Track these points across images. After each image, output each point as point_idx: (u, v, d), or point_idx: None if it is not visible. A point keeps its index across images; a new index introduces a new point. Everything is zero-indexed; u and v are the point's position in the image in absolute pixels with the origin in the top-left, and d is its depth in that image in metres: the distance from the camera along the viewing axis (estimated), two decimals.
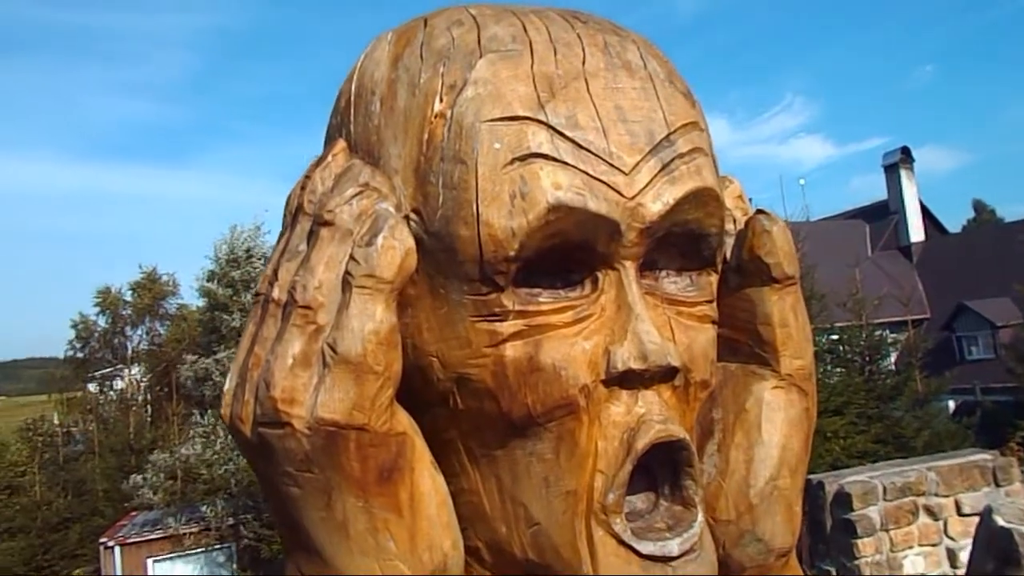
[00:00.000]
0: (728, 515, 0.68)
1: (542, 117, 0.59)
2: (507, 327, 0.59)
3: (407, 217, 0.60)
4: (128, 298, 25.88)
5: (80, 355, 27.56)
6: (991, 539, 1.32)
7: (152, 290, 25.61)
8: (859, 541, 5.56)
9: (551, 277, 0.61)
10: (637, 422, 0.60)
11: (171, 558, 13.72)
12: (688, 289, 0.66)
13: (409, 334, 0.61)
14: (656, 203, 0.61)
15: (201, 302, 16.27)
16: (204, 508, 12.43)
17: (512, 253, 0.57)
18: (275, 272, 0.60)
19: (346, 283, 0.56)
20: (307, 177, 0.62)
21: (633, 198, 0.60)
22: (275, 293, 0.59)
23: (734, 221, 0.73)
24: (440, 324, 0.60)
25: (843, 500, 5.95)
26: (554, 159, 0.58)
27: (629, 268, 0.61)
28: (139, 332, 26.98)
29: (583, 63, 0.62)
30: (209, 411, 13.04)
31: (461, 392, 0.61)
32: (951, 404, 19.07)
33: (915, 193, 28.21)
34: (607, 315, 0.61)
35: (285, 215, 0.64)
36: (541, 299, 0.60)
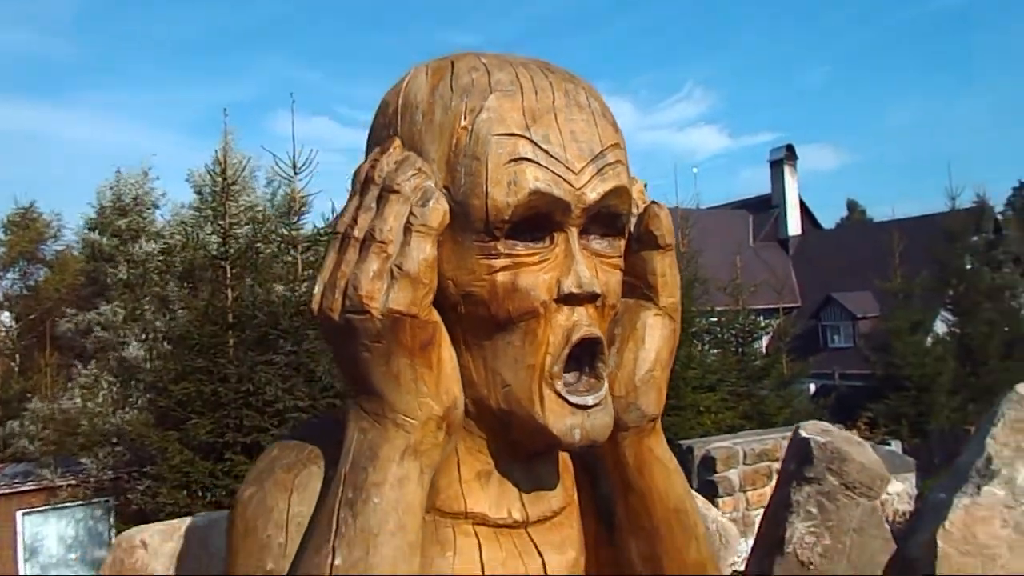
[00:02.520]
0: (621, 392, 1.05)
1: (527, 135, 0.94)
2: (498, 263, 0.94)
3: (440, 191, 0.94)
4: (1, 236, 24.04)
5: None
6: (795, 447, 1.79)
7: (30, 229, 23.89)
8: (720, 500, 6.22)
9: (526, 234, 0.95)
10: (573, 325, 0.96)
11: (44, 511, 13.23)
12: (607, 248, 1.03)
13: (437, 263, 0.93)
14: (592, 193, 0.97)
15: (82, 250, 15.55)
16: (85, 460, 12.08)
17: (506, 218, 0.92)
18: (354, 219, 0.92)
19: (407, 229, 0.90)
20: (375, 159, 0.95)
21: (579, 189, 0.96)
22: (355, 232, 0.91)
23: (637, 207, 1.10)
24: (456, 259, 0.94)
25: (709, 463, 6.63)
26: (534, 162, 0.94)
27: (573, 232, 0.98)
28: (11, 275, 25.23)
29: (552, 101, 0.98)
30: (92, 362, 12.55)
31: (465, 302, 0.95)
32: (812, 387, 20.63)
33: (796, 189, 30.12)
34: (559, 259, 0.97)
35: (355, 183, 0.96)
36: (519, 247, 0.95)
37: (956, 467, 1.83)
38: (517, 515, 1.02)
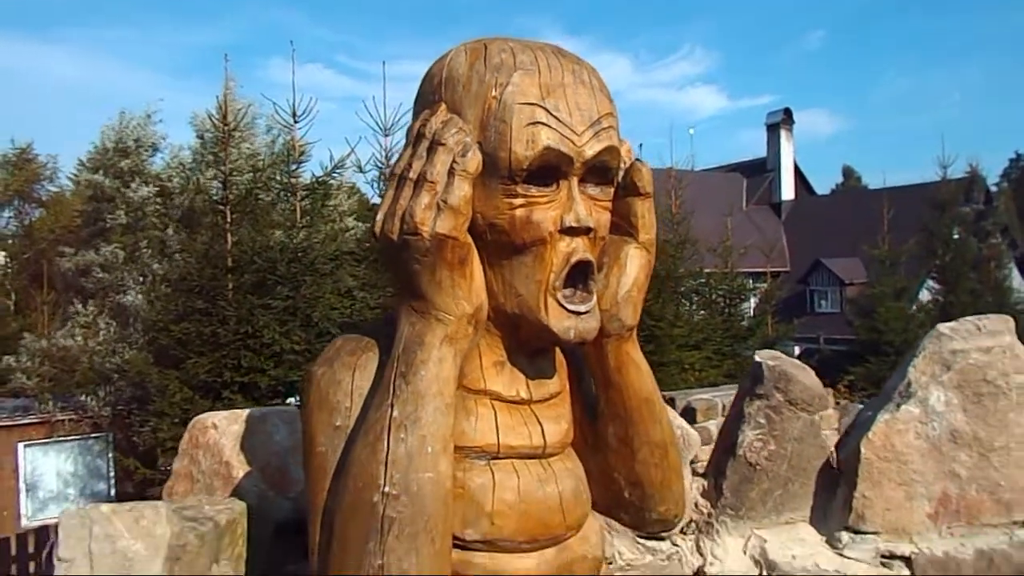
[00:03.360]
0: (606, 306, 1.37)
1: (543, 105, 1.25)
2: (517, 201, 1.25)
3: (475, 145, 1.24)
4: None
5: None
6: (751, 371, 2.10)
7: (26, 170, 23.80)
8: (700, 448, 6.58)
9: (539, 180, 1.26)
10: (572, 251, 1.27)
11: (44, 444, 13.54)
12: (600, 194, 1.34)
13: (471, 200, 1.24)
14: (590, 150, 1.28)
15: (80, 191, 15.57)
16: (84, 397, 12.34)
17: (524, 167, 1.23)
18: (409, 165, 1.23)
19: (451, 172, 1.20)
20: (426, 119, 1.25)
21: (580, 147, 1.27)
22: (410, 175, 1.21)
23: (624, 162, 1.41)
24: (485, 197, 1.25)
25: (689, 414, 6.98)
26: (547, 125, 1.24)
27: (574, 180, 1.29)
28: (6, 215, 25.17)
29: (562, 79, 1.29)
30: (91, 302, 12.71)
31: (490, 231, 1.26)
32: (796, 349, 21.00)
33: (791, 154, 30.13)
34: (562, 200, 1.27)
35: (409, 137, 1.27)
36: (533, 190, 1.25)
37: (884, 390, 2.14)
38: (524, 394, 1.36)
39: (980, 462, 2.02)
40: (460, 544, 1.27)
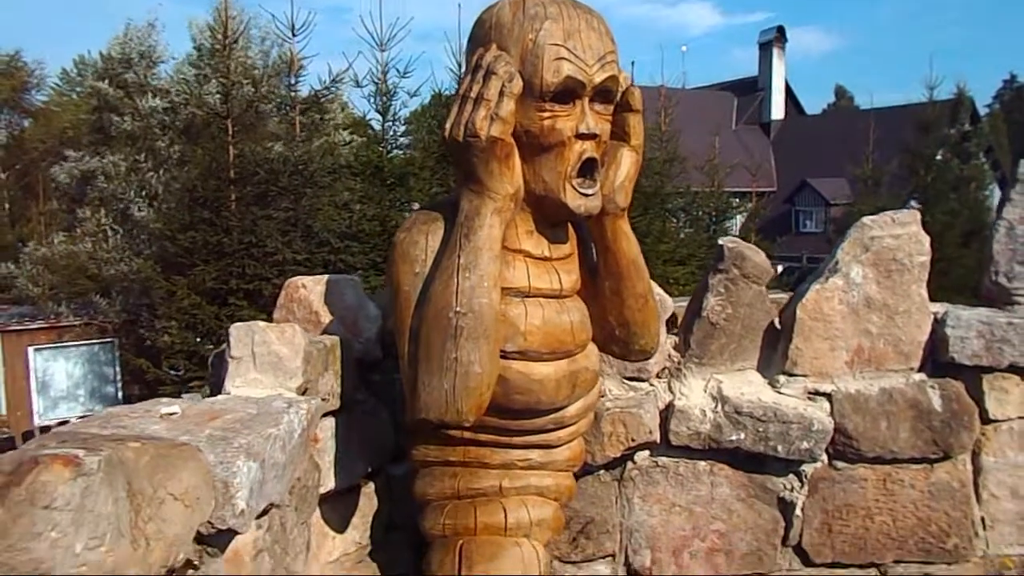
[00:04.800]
0: (606, 192, 1.87)
1: (565, 45, 1.74)
2: (545, 115, 1.74)
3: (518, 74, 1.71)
4: None
5: None
6: (716, 252, 2.63)
7: (14, 78, 23.48)
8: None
9: (561, 100, 1.74)
10: (583, 151, 1.78)
11: (53, 348, 14.05)
12: (604, 110, 1.84)
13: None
14: (598, 78, 1.78)
15: (83, 100, 15.59)
16: (97, 297, 12.68)
17: (551, 90, 1.72)
18: (469, 87, 1.70)
19: (501, 93, 1.66)
20: (482, 54, 1.72)
21: (591, 76, 1.76)
22: (471, 94, 1.69)
23: (622, 87, 1.91)
24: (522, 111, 1.73)
25: (672, 320, 7.56)
26: (568, 60, 1.73)
27: (586, 100, 1.79)
28: None
29: (579, 26, 1.78)
30: (102, 211, 12.95)
31: (526, 136, 1.75)
32: (779, 268, 21.59)
33: (783, 73, 29.99)
34: (577, 114, 1.77)
35: (467, 66, 1.74)
36: (556, 107, 1.75)
37: (818, 269, 2.68)
38: (546, 253, 1.92)
39: (887, 323, 2.56)
40: (502, 355, 1.82)
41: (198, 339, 9.98)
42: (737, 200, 18.20)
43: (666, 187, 14.19)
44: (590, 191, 1.83)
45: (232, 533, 1.39)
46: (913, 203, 20.07)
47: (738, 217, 18.70)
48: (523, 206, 1.84)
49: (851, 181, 21.98)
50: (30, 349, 14.30)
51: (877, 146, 19.37)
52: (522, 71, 1.72)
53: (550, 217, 1.89)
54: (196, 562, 1.30)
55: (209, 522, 1.29)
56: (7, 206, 22.42)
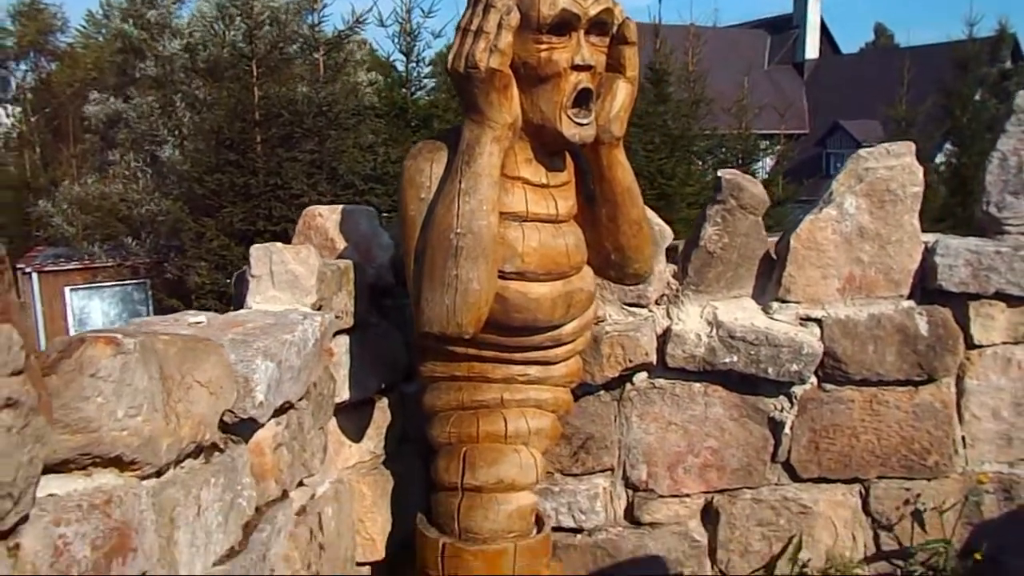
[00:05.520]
0: (602, 122, 1.97)
1: None
2: (542, 47, 1.83)
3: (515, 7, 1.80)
4: (10, 27, 23.62)
5: None
6: (715, 184, 2.71)
7: (37, 20, 23.56)
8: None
9: (557, 32, 1.84)
10: (578, 81, 1.88)
11: (88, 288, 14.50)
12: (599, 42, 1.93)
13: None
14: (592, 10, 1.86)
15: (108, 42, 15.64)
16: (128, 239, 12.98)
17: (548, 23, 1.81)
18: (470, 20, 1.81)
19: (499, 25, 1.77)
20: None
21: (586, 8, 1.85)
22: (472, 27, 1.79)
23: (617, 20, 1.99)
24: (520, 43, 1.82)
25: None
26: None
27: (582, 32, 1.88)
28: (24, 67, 25.05)
29: None
30: (131, 154, 13.17)
31: (524, 67, 1.85)
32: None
33: (818, 10, 29.03)
34: (573, 46, 1.86)
35: (469, 3, 1.84)
36: (553, 39, 1.84)
37: (816, 201, 2.78)
38: (544, 180, 2.03)
39: (879, 252, 2.65)
40: (501, 275, 1.96)
41: (227, 280, 10.25)
42: (767, 142, 17.91)
43: (692, 129, 14.03)
44: (585, 121, 1.93)
45: (253, 424, 1.57)
46: (948, 146, 19.62)
47: (767, 160, 18.45)
48: (522, 135, 1.95)
49: (884, 122, 21.50)
50: (67, 289, 14.74)
51: (913, 86, 18.80)
52: (520, 4, 1.81)
53: (547, 146, 2.00)
54: (221, 446, 1.48)
55: (231, 411, 1.46)
56: (38, 149, 22.75)
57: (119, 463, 1.11)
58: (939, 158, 19.68)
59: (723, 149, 15.55)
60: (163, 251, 12.90)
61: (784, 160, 17.49)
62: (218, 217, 10.03)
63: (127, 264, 13.81)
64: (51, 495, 0.99)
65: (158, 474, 1.23)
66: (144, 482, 1.18)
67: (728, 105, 15.76)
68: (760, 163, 17.12)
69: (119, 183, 13.60)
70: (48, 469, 0.96)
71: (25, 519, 0.91)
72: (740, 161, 15.87)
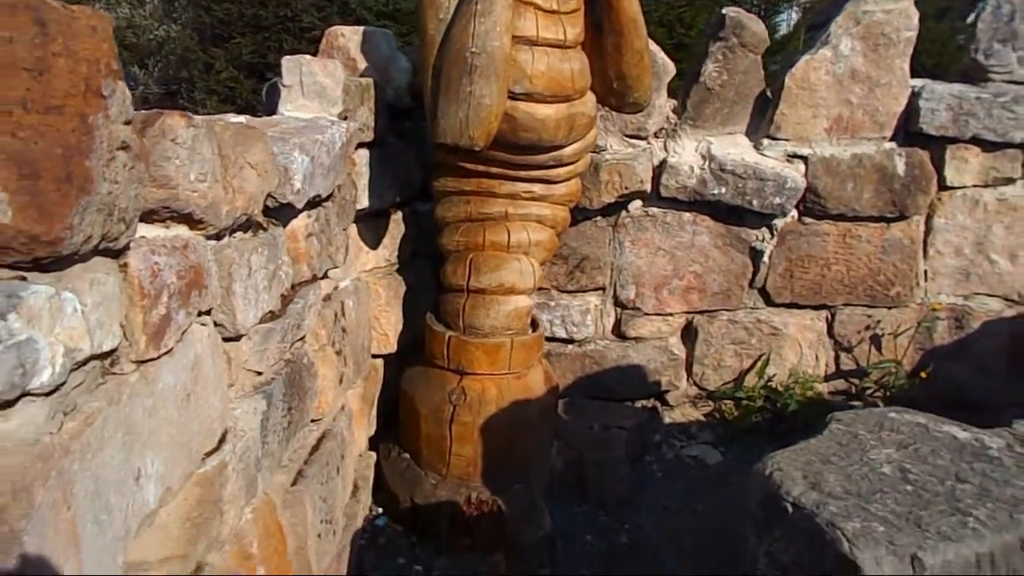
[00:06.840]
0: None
1: None
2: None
3: None
4: None
5: None
6: (716, 20, 2.83)
7: None
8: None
9: None
10: None
11: None
12: None
13: None
14: None
15: None
16: (136, 69, 12.87)
17: None
18: None
19: None
20: None
21: None
22: None
23: None
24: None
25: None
26: None
27: None
28: None
29: None
30: None
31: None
32: None
33: None
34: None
35: None
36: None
37: (812, 40, 2.89)
38: (555, 7, 2.19)
39: (868, 94, 2.80)
40: (511, 96, 2.15)
41: (236, 112, 10.28)
42: None
43: None
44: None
45: (291, 210, 1.81)
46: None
47: (791, 14, 17.75)
48: None
49: None
50: None
51: None
52: None
53: None
54: (265, 226, 1.73)
55: (273, 196, 1.70)
56: None
57: (190, 220, 1.36)
58: (970, 18, 19.06)
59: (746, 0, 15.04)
60: (171, 82, 12.86)
61: (811, 13, 16.91)
62: (227, 48, 9.95)
63: (135, 93, 13.75)
64: (143, 236, 1.25)
65: (218, 237, 1.48)
66: (208, 241, 1.44)
67: None
68: (785, 15, 16.58)
69: (125, 7, 13.31)
70: (139, 218, 1.21)
71: (128, 247, 1.16)
72: (763, 12, 15.43)
